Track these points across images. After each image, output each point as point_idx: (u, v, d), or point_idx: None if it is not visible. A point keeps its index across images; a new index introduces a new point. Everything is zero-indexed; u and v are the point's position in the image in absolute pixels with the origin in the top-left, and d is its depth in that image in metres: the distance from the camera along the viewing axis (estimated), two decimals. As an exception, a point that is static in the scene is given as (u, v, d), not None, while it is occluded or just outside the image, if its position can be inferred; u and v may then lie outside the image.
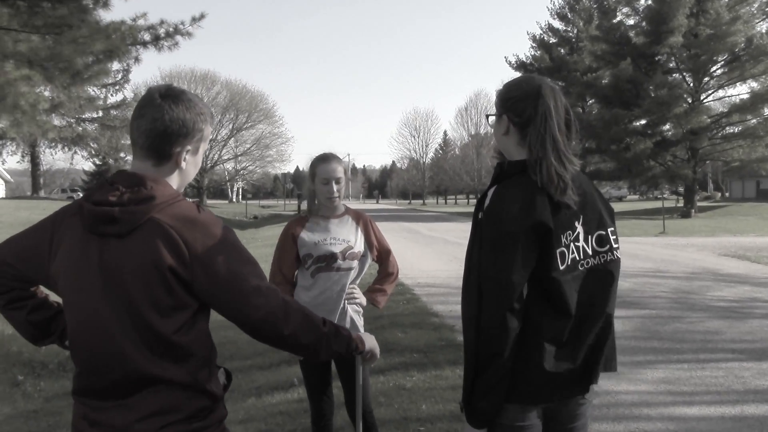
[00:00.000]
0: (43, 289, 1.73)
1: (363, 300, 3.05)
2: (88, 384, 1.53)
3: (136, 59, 9.97)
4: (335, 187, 2.95)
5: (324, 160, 2.99)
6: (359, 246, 3.01)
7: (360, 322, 3.05)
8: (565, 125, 1.81)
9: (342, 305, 2.95)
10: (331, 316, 2.86)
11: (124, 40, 9.29)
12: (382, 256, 3.16)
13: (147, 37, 9.80)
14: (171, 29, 9.97)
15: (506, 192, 1.73)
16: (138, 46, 9.79)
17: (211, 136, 1.71)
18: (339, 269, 2.94)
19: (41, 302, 1.72)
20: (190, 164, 1.63)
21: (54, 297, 1.74)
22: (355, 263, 2.99)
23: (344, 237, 2.98)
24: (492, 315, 1.65)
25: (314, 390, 3.07)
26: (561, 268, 1.72)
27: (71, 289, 1.54)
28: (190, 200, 1.61)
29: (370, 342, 1.88)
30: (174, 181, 1.61)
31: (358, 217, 3.10)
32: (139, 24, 9.79)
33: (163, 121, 1.54)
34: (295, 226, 3.01)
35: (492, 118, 1.93)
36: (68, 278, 1.54)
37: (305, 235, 2.97)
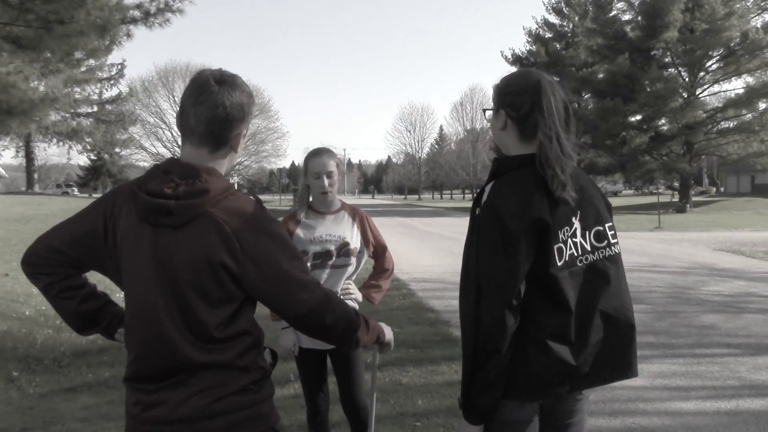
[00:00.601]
0: (89, 279, 1.74)
1: (359, 296, 3.03)
2: (142, 369, 1.56)
3: (128, 35, 10.04)
4: (327, 182, 2.91)
5: (316, 154, 2.97)
6: (355, 242, 2.99)
7: (356, 318, 3.03)
8: (564, 120, 1.80)
9: (338, 301, 2.93)
10: None
11: (112, 14, 9.29)
12: (378, 252, 3.13)
13: (137, 14, 9.85)
14: (162, 5, 10.00)
15: (504, 188, 1.71)
16: (129, 25, 9.84)
17: None
18: (335, 266, 2.91)
19: (90, 293, 1.73)
20: (240, 146, 1.65)
21: (102, 287, 1.76)
22: (351, 260, 2.96)
23: (340, 233, 2.95)
24: (490, 312, 1.64)
25: (310, 386, 3.06)
26: (559, 264, 1.71)
27: (127, 277, 1.56)
28: (248, 195, 1.62)
29: (389, 333, 1.95)
30: (225, 165, 1.63)
31: (355, 213, 3.07)
32: (127, 2, 9.86)
33: (225, 107, 1.55)
34: (290, 223, 2.98)
35: (489, 113, 1.91)
36: (125, 266, 1.56)
37: (300, 231, 2.94)
